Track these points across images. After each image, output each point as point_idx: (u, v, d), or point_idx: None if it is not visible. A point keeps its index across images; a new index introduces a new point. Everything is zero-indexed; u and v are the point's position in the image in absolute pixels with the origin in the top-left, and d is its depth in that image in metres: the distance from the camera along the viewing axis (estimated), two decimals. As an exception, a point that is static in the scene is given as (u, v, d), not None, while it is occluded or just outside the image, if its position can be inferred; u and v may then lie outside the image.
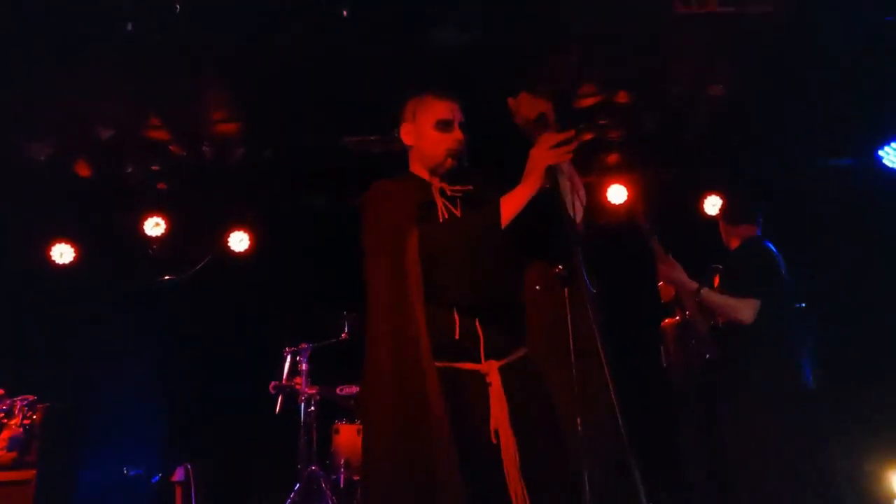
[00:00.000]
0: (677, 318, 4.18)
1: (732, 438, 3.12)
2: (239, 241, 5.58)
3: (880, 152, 4.94)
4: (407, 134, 2.19)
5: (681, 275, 3.19)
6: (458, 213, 2.07)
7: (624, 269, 4.61)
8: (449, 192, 2.10)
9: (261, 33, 3.78)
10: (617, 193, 5.51)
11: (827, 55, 4.10)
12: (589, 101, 4.71)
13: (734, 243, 3.44)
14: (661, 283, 4.10)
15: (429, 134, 2.11)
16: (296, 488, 4.52)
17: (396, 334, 1.90)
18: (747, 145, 5.26)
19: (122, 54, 3.81)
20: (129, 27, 3.55)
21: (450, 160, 2.09)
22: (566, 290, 1.92)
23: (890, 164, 4.92)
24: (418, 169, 2.18)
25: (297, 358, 4.73)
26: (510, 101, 2.07)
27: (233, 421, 5.22)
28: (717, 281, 3.48)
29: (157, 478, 4.83)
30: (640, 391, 4.33)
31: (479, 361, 1.92)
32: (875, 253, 4.91)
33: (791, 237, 3.54)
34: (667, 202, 5.62)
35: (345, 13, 3.58)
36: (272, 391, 4.62)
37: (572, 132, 1.94)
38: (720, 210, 3.80)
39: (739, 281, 3.16)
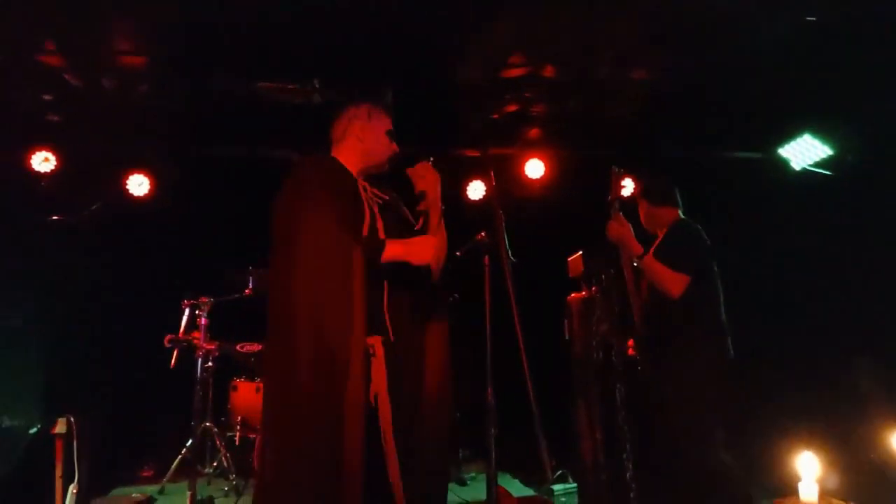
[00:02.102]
0: (583, 293, 4.26)
1: (668, 411, 3.16)
2: (138, 184, 5.26)
3: (781, 149, 5.18)
4: (360, 129, 2.44)
5: (630, 236, 3.21)
6: (376, 213, 2.35)
7: (535, 243, 4.66)
8: (369, 193, 2.39)
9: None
10: (535, 168, 5.56)
11: (746, 48, 4.23)
12: (516, 72, 4.68)
13: (657, 224, 3.49)
14: (570, 258, 4.16)
15: (381, 139, 2.45)
16: (188, 444, 4.37)
17: (331, 304, 2.06)
18: (665, 131, 5.40)
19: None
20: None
21: (386, 166, 2.46)
22: (486, 257, 1.93)
23: (789, 162, 5.17)
24: (350, 161, 2.43)
25: (197, 312, 4.54)
26: (408, 170, 2.47)
27: (123, 373, 4.97)
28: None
29: (37, 429, 4.56)
30: (543, 364, 4.44)
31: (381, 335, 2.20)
32: (772, 242, 5.16)
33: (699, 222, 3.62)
34: (581, 180, 5.72)
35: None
36: (167, 345, 4.43)
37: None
38: (641, 191, 3.76)
39: (673, 258, 3.20)
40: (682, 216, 3.46)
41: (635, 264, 3.20)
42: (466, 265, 2.36)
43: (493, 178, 2.11)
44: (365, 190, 2.38)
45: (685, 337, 3.20)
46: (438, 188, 2.41)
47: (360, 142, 2.43)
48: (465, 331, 2.61)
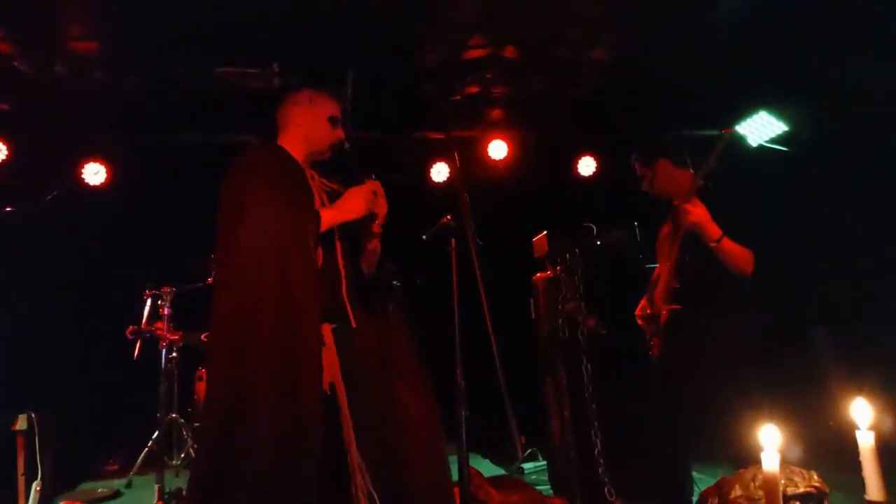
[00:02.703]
0: (548, 272, 4.30)
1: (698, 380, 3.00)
2: (94, 173, 5.13)
3: (738, 126, 5.28)
4: (300, 115, 2.41)
5: (710, 218, 2.98)
6: (327, 203, 2.33)
7: (501, 224, 4.68)
8: (317, 181, 2.38)
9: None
10: (498, 149, 5.57)
11: (703, 27, 4.29)
12: (477, 53, 4.67)
13: (674, 186, 3.25)
14: (535, 238, 4.19)
15: (322, 124, 2.40)
16: (154, 436, 4.33)
17: (285, 291, 2.04)
18: (624, 110, 5.45)
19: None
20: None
21: (328, 152, 2.41)
22: (452, 240, 1.94)
23: (746, 138, 5.27)
24: (295, 149, 2.40)
25: (159, 302, 4.47)
26: (352, 189, 2.39)
27: (85, 366, 4.88)
28: (667, 227, 3.34)
29: (-5, 427, 4.44)
30: (511, 344, 4.48)
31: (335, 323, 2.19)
32: (731, 217, 5.25)
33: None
34: (544, 160, 5.76)
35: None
36: (129, 336, 4.36)
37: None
38: (657, 150, 3.35)
39: (736, 232, 3.00)
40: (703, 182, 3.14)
41: (713, 245, 2.94)
42: (433, 248, 2.36)
43: (456, 160, 2.11)
44: (313, 178, 2.37)
45: (732, 307, 3.05)
46: (385, 210, 2.36)
47: (300, 127, 2.40)
48: (433, 313, 2.62)
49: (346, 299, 2.24)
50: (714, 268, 3.03)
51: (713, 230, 2.96)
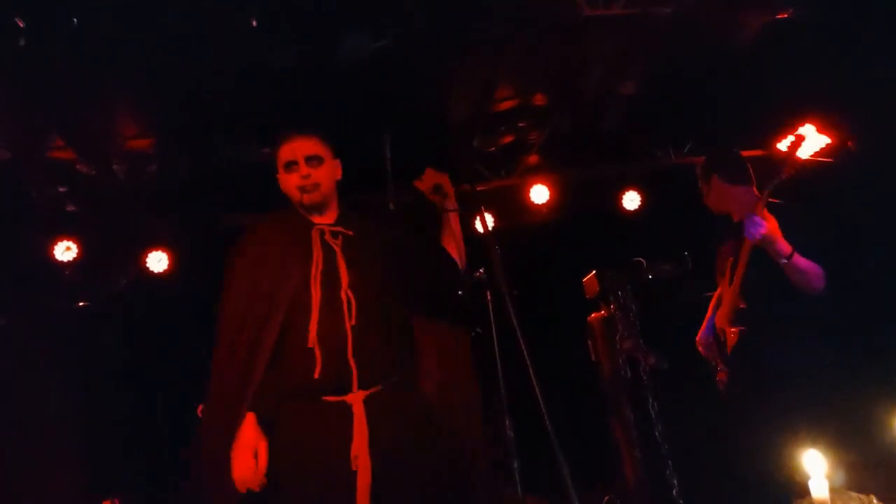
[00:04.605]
0: (602, 312, 4.27)
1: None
2: (157, 261, 5.37)
3: (779, 144, 5.19)
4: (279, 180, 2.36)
5: (779, 231, 2.86)
6: (338, 253, 2.20)
7: (548, 269, 4.69)
8: (328, 235, 2.25)
9: (168, 45, 3.64)
10: (539, 193, 5.61)
11: (729, 52, 4.29)
12: (506, 105, 4.77)
13: (730, 204, 3.18)
14: (584, 279, 4.17)
15: (281, 178, 2.31)
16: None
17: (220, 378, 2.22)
18: (661, 140, 5.45)
19: (16, 70, 3.60)
20: (22, 42, 3.34)
21: (304, 197, 2.25)
22: (487, 293, 1.94)
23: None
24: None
25: (226, 378, 4.59)
26: (416, 182, 2.44)
27: (162, 449, 5.02)
28: (729, 245, 3.20)
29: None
30: (573, 386, 4.42)
31: (347, 393, 2.06)
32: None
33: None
34: (587, 199, 5.76)
35: (254, 23, 3.49)
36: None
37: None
38: (709, 165, 3.25)
39: (806, 248, 2.89)
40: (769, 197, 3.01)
41: (784, 262, 2.83)
42: (470, 302, 2.39)
43: (483, 213, 2.14)
44: (323, 232, 2.25)
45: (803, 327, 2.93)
46: (448, 182, 2.42)
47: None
48: (480, 366, 2.62)
49: (352, 362, 2.06)
50: (784, 285, 2.89)
51: (783, 246, 2.83)
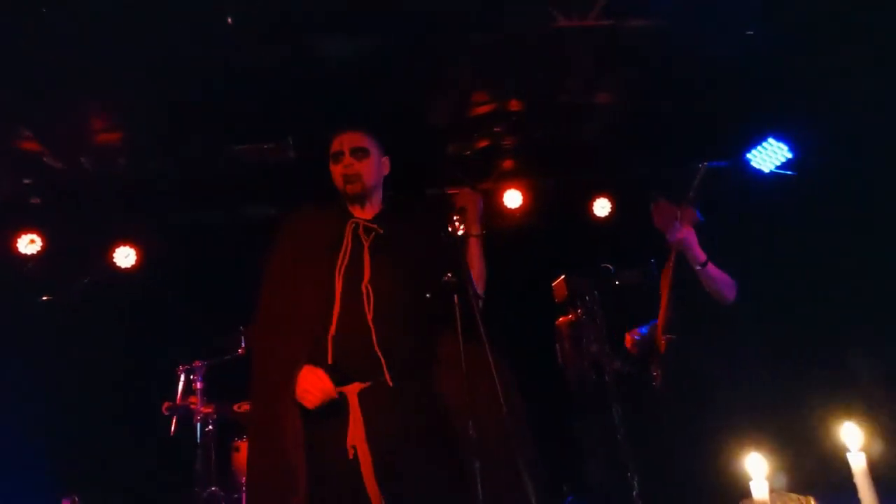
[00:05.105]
0: (570, 316, 4.31)
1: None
2: (125, 256, 5.31)
3: (748, 155, 5.31)
4: None
5: (695, 240, 3.15)
6: (365, 248, 2.29)
7: (518, 272, 4.73)
8: (361, 230, 2.33)
9: (141, 39, 3.61)
10: (512, 198, 5.65)
11: (699, 65, 4.38)
12: (483, 109, 4.81)
13: (670, 223, 3.40)
14: (554, 283, 4.21)
15: (331, 169, 2.42)
16: (195, 511, 4.35)
17: (275, 359, 2.20)
18: (633, 149, 5.52)
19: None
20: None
21: (347, 186, 2.36)
22: (455, 296, 1.98)
23: (757, 166, 5.29)
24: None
25: (192, 376, 4.55)
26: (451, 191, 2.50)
27: (124, 446, 4.96)
28: (670, 260, 3.42)
29: (42, 512, 4.53)
30: (541, 390, 4.47)
31: (352, 382, 2.15)
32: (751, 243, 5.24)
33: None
34: (559, 205, 5.82)
35: (230, 20, 3.48)
36: (165, 412, 4.43)
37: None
38: (657, 189, 3.56)
39: (724, 263, 3.18)
40: (701, 218, 3.35)
41: (697, 268, 3.11)
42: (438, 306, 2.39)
43: (453, 218, 2.18)
44: (357, 226, 2.33)
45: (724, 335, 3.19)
46: (477, 207, 2.46)
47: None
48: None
49: (379, 352, 2.13)
50: (704, 295, 3.15)
51: (699, 253, 3.11)
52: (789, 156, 5.02)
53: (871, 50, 4.05)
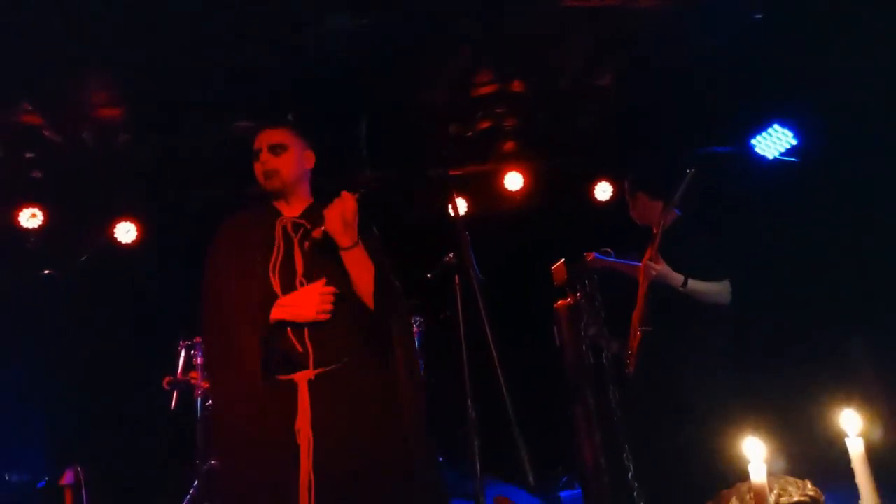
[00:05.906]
0: (569, 299, 4.33)
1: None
2: (126, 231, 5.31)
3: (753, 140, 5.30)
4: None
5: (669, 270, 3.21)
6: (295, 245, 2.34)
7: (518, 255, 4.74)
8: (290, 227, 2.39)
9: (144, 15, 3.58)
10: (513, 180, 5.64)
11: (706, 48, 4.35)
12: (486, 90, 4.79)
13: (652, 217, 3.45)
14: (553, 266, 4.23)
15: (253, 166, 2.45)
16: (195, 484, 4.40)
17: (230, 349, 2.27)
18: (636, 133, 5.50)
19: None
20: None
21: (266, 183, 2.41)
22: (456, 276, 1.98)
23: (761, 152, 5.28)
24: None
25: (192, 352, 4.58)
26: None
27: (125, 419, 5.00)
28: (648, 253, 3.44)
29: (44, 482, 4.57)
30: (538, 372, 4.50)
31: (296, 371, 2.22)
32: (752, 229, 5.24)
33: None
34: (560, 188, 5.81)
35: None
36: (166, 387, 4.47)
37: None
38: (636, 181, 3.61)
39: (710, 270, 3.25)
40: (679, 213, 3.41)
41: (682, 290, 3.16)
42: (439, 286, 2.41)
43: (454, 198, 2.18)
44: (285, 225, 2.40)
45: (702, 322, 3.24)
46: (343, 216, 2.27)
47: None
48: (447, 349, 2.67)
49: (309, 344, 2.23)
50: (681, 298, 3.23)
51: (675, 279, 3.18)
52: (794, 142, 5.01)
53: (878, 36, 4.02)
